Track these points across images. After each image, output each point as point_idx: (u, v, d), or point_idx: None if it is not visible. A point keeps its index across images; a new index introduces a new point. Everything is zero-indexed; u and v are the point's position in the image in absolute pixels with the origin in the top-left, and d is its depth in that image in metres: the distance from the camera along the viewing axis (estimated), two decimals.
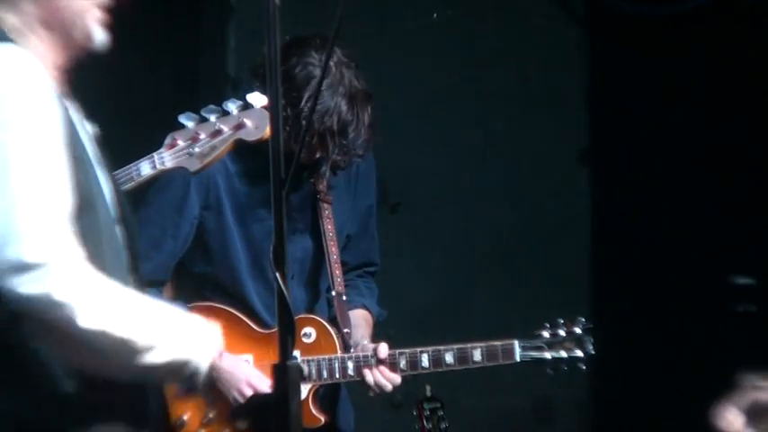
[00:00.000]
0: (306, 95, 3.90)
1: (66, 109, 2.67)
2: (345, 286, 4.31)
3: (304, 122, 3.85)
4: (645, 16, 6.04)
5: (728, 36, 5.85)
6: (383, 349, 4.13)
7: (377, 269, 4.44)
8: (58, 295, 2.43)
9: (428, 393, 4.26)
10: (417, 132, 6.02)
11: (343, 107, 3.96)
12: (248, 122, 3.36)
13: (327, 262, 4.19)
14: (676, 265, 5.96)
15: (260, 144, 3.89)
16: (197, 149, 3.35)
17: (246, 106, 3.38)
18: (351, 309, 4.27)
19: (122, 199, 2.84)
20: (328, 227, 4.18)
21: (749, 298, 5.72)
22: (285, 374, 2.36)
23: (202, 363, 2.63)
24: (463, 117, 6.10)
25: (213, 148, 3.35)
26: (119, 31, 5.55)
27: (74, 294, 2.44)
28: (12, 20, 2.65)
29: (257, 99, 3.33)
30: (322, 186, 4.16)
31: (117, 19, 5.27)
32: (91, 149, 2.75)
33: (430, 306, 6.00)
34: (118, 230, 2.75)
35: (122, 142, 5.51)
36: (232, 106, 3.37)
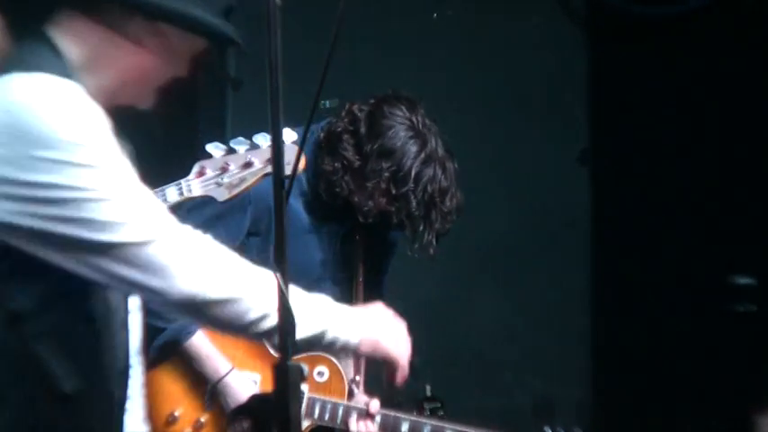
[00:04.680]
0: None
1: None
2: None
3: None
4: (645, 16, 6.04)
5: (728, 36, 5.85)
6: (374, 405, 4.09)
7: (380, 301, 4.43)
8: (162, 258, 2.52)
9: (428, 393, 4.27)
10: None
11: (440, 175, 3.97)
12: None
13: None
14: (676, 265, 5.96)
15: (334, 199, 3.91)
16: (226, 180, 3.34)
17: None
18: None
19: None
20: (360, 270, 4.18)
21: (749, 298, 5.73)
22: (285, 375, 2.35)
23: (341, 335, 2.70)
24: (463, 117, 6.09)
25: (243, 179, 3.34)
26: None
27: (175, 258, 2.54)
28: (77, 52, 2.59)
29: (287, 135, 3.32)
30: (362, 223, 4.13)
31: None
32: None
33: (429, 306, 5.99)
34: None
35: (123, 141, 5.50)
36: (262, 140, 3.36)
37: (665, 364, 5.91)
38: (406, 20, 6.01)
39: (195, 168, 3.38)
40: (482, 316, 6.02)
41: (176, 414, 4.07)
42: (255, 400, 3.96)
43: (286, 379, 2.35)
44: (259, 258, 4.02)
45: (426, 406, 4.24)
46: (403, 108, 3.98)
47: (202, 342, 4.07)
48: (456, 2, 6.08)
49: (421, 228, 3.96)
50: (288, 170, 3.26)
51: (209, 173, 3.36)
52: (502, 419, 6.17)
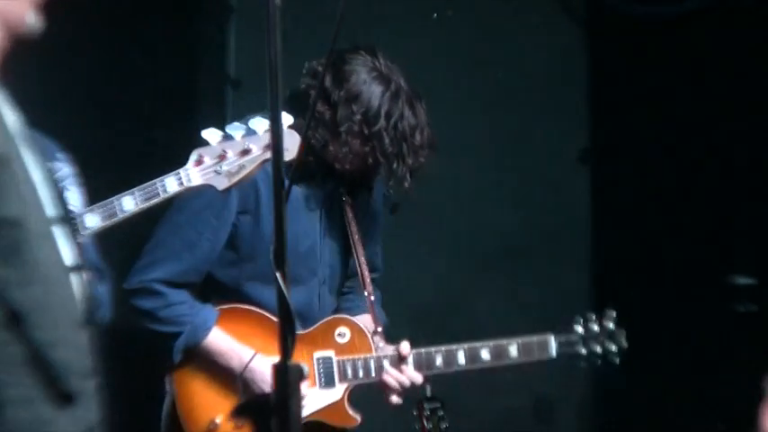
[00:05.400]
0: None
1: None
2: (351, 293, 4.33)
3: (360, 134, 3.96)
4: (645, 16, 6.05)
5: (728, 36, 5.85)
6: (405, 347, 4.15)
7: (380, 275, 4.43)
8: None
9: (428, 393, 4.26)
10: None
11: (407, 111, 4.04)
12: None
13: (357, 263, 4.20)
14: (676, 265, 5.96)
15: (305, 160, 3.93)
16: (225, 168, 3.32)
17: None
18: (358, 314, 4.27)
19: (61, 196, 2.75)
20: (353, 229, 4.19)
21: (749, 298, 5.72)
22: (285, 374, 2.36)
23: None
24: (463, 117, 6.10)
25: (242, 167, 3.32)
26: (119, 31, 5.57)
27: None
28: None
29: (284, 119, 3.31)
30: (344, 189, 4.18)
31: (117, 19, 5.28)
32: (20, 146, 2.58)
33: (430, 306, 6.00)
34: (58, 229, 2.66)
35: (123, 141, 5.52)
36: (258, 126, 3.34)
37: (665, 364, 5.90)
38: (406, 20, 6.01)
39: (193, 157, 3.35)
40: (482, 316, 6.02)
41: (217, 421, 4.05)
42: (257, 400, 3.95)
43: (286, 379, 2.35)
44: (251, 236, 4.06)
45: (426, 406, 4.23)
46: (362, 53, 4.07)
47: (220, 337, 4.06)
48: (456, 2, 6.08)
49: (395, 165, 4.02)
50: (287, 156, 3.27)
51: (208, 161, 3.33)
52: (502, 419, 6.20)
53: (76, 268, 2.61)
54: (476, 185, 6.13)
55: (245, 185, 3.96)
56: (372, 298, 4.23)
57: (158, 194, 3.30)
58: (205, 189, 3.95)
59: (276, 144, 2.49)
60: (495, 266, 6.11)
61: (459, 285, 6.08)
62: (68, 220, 2.68)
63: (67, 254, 2.61)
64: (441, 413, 4.23)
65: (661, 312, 5.96)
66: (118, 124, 5.36)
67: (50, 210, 2.60)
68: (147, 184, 3.31)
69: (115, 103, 5.37)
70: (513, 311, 6.00)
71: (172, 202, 4.04)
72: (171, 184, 3.32)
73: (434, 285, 6.04)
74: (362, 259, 4.20)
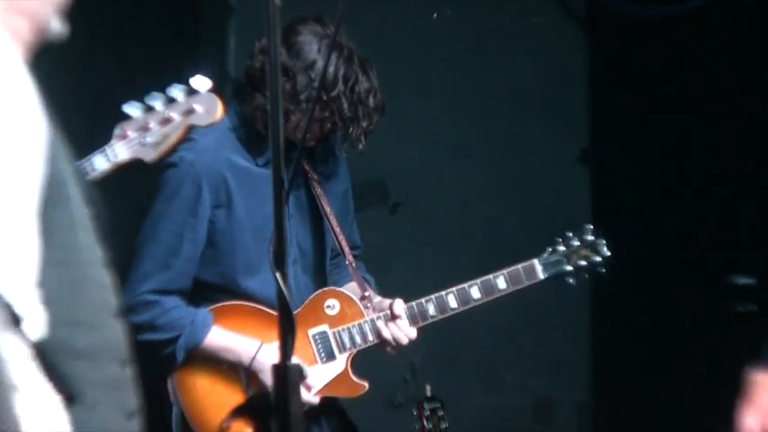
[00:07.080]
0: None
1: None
2: (336, 268, 4.37)
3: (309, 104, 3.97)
4: (645, 16, 6.05)
5: (728, 36, 5.85)
6: (398, 304, 4.19)
7: (361, 251, 4.46)
8: None
9: (428, 393, 4.26)
10: (417, 132, 6.02)
11: (361, 75, 4.09)
12: (198, 107, 3.33)
13: (333, 236, 4.23)
14: (676, 265, 5.96)
15: (263, 130, 3.95)
16: (149, 139, 3.30)
17: (192, 91, 3.35)
18: (345, 285, 4.30)
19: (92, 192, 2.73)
20: (324, 204, 4.21)
21: (749, 298, 5.72)
22: (285, 374, 2.36)
23: None
24: (463, 117, 6.10)
25: (165, 136, 3.31)
26: (119, 31, 5.56)
27: None
28: None
29: (201, 83, 3.31)
30: (309, 167, 4.21)
31: (118, 19, 5.27)
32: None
33: None
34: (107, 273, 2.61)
35: None
36: (177, 92, 3.34)
37: (665, 365, 5.90)
38: (406, 20, 6.01)
39: (116, 131, 3.33)
40: (482, 316, 6.01)
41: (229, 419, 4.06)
42: (255, 399, 3.95)
43: (286, 379, 2.35)
44: (228, 228, 4.08)
45: (426, 406, 4.24)
46: (311, 22, 4.10)
47: (221, 333, 4.06)
48: (456, 2, 6.08)
49: (351, 129, 4.07)
50: (207, 119, 3.25)
51: (132, 134, 3.32)
52: (502, 419, 6.20)
53: (120, 312, 2.59)
54: (475, 185, 6.13)
55: (213, 181, 4.03)
56: (354, 265, 4.26)
57: (87, 173, 3.28)
58: (179, 190, 3.97)
59: (276, 144, 2.49)
60: (494, 266, 6.09)
61: (458, 285, 6.07)
62: (114, 262, 2.65)
63: (113, 298, 2.58)
64: (441, 413, 4.23)
65: (661, 312, 5.96)
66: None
67: (99, 251, 2.56)
68: (76, 164, 3.27)
69: (115, 103, 5.36)
70: (512, 311, 6.00)
71: (147, 212, 4.05)
72: (99, 162, 3.29)
73: (433, 285, 6.03)
74: (338, 230, 4.23)
